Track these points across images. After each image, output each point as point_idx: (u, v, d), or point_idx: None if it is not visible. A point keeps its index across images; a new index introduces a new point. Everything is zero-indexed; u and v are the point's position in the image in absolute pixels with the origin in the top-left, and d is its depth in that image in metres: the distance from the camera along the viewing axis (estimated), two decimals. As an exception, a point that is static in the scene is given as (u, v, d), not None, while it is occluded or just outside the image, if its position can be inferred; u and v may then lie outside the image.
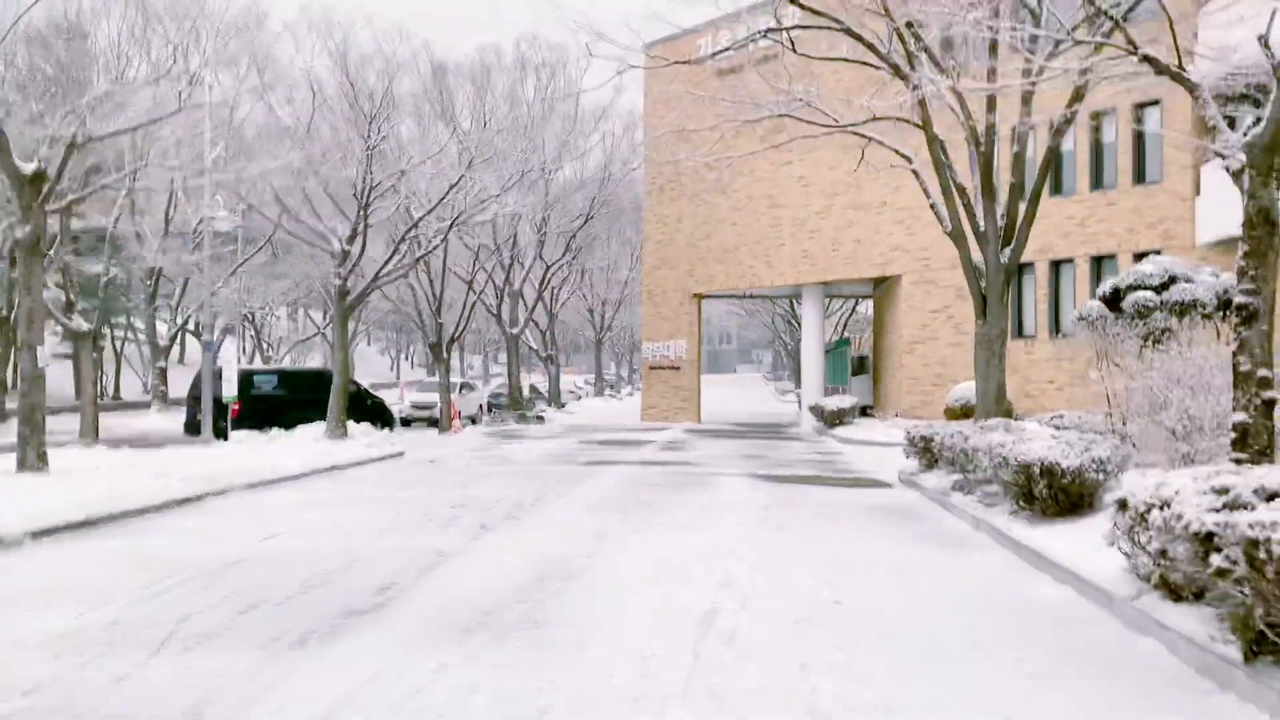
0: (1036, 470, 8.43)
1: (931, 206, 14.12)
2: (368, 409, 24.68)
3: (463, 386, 34.13)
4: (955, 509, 10.53)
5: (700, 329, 33.48)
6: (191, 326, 51.64)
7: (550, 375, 39.90)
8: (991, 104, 12.83)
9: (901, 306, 26.71)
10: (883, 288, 30.12)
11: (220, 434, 19.46)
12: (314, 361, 61.90)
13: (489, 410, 36.05)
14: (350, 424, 18.26)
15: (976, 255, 13.54)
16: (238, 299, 40.36)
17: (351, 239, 16.94)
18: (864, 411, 29.49)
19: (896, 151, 14.38)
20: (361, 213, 16.50)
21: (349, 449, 16.30)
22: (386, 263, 17.13)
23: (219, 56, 16.80)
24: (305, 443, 16.93)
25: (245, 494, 11.97)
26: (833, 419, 25.98)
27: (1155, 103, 22.20)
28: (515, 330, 31.03)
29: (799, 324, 43.10)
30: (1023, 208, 13.08)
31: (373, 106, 15.76)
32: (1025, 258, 25.03)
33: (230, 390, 18.82)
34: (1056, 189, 23.91)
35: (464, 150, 17.04)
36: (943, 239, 26.68)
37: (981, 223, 13.02)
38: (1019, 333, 24.53)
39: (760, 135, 17.08)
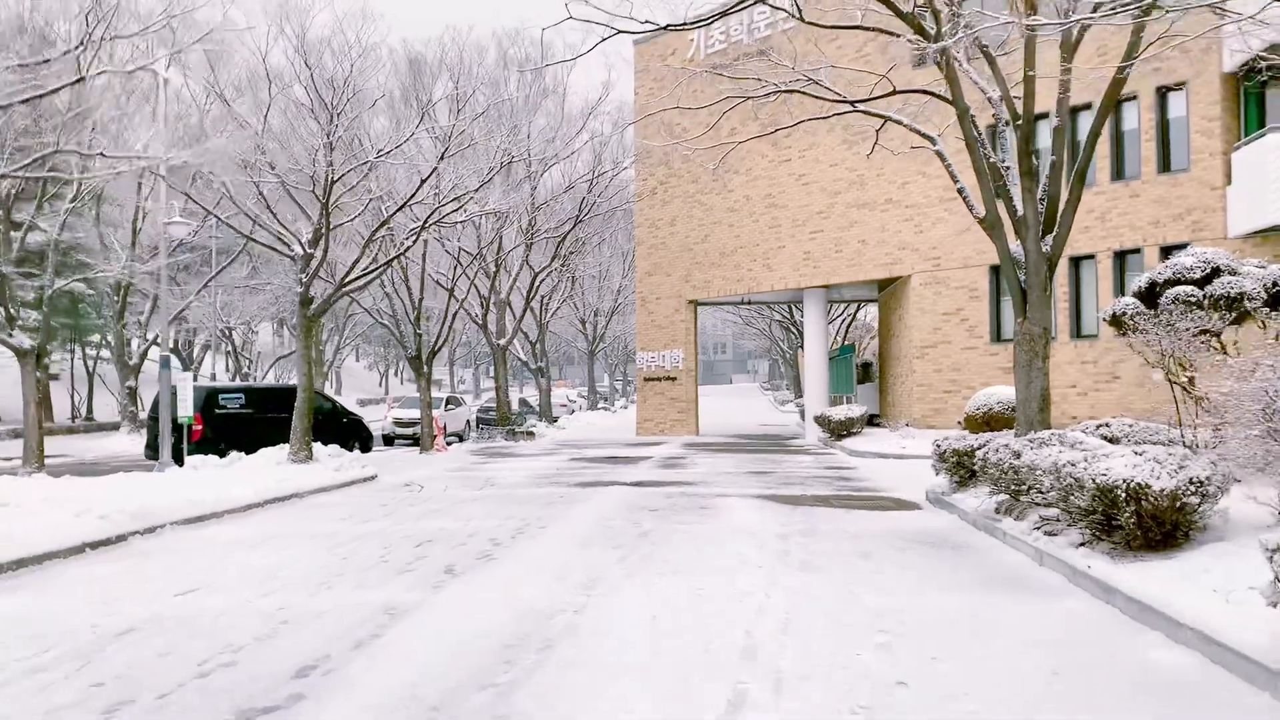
0: (1121, 494, 6.88)
1: (960, 192, 12.59)
2: (343, 427, 23.09)
3: (448, 401, 32.51)
4: (1008, 538, 8.97)
5: (696, 337, 31.94)
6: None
7: (541, 389, 38.26)
8: (1030, 59, 11.29)
9: (911, 309, 25.21)
10: (889, 290, 28.63)
11: (179, 458, 17.86)
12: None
13: (478, 426, 34.46)
14: (317, 446, 16.64)
15: (1014, 246, 11.99)
16: (214, 313, 38.83)
17: (315, 241, 15.38)
18: (871, 421, 27.93)
19: (917, 132, 12.86)
20: (324, 211, 14.93)
21: (313, 474, 14.69)
22: (353, 266, 15.55)
23: (160, 39, 15.15)
24: (266, 467, 15.33)
25: (180, 531, 10.36)
26: (840, 430, 24.43)
27: (1180, 85, 20.78)
28: (503, 342, 29.44)
29: (798, 331, 41.61)
30: (1065, 191, 11.54)
31: (333, 94, 14.22)
32: (1042, 255, 23.63)
33: (186, 410, 17.21)
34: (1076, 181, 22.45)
35: (437, 140, 15.46)
36: (955, 236, 25.33)
37: (1020, 207, 11.49)
38: (1037, 335, 23.01)
39: (761, 121, 15.54)
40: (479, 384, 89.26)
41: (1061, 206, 11.43)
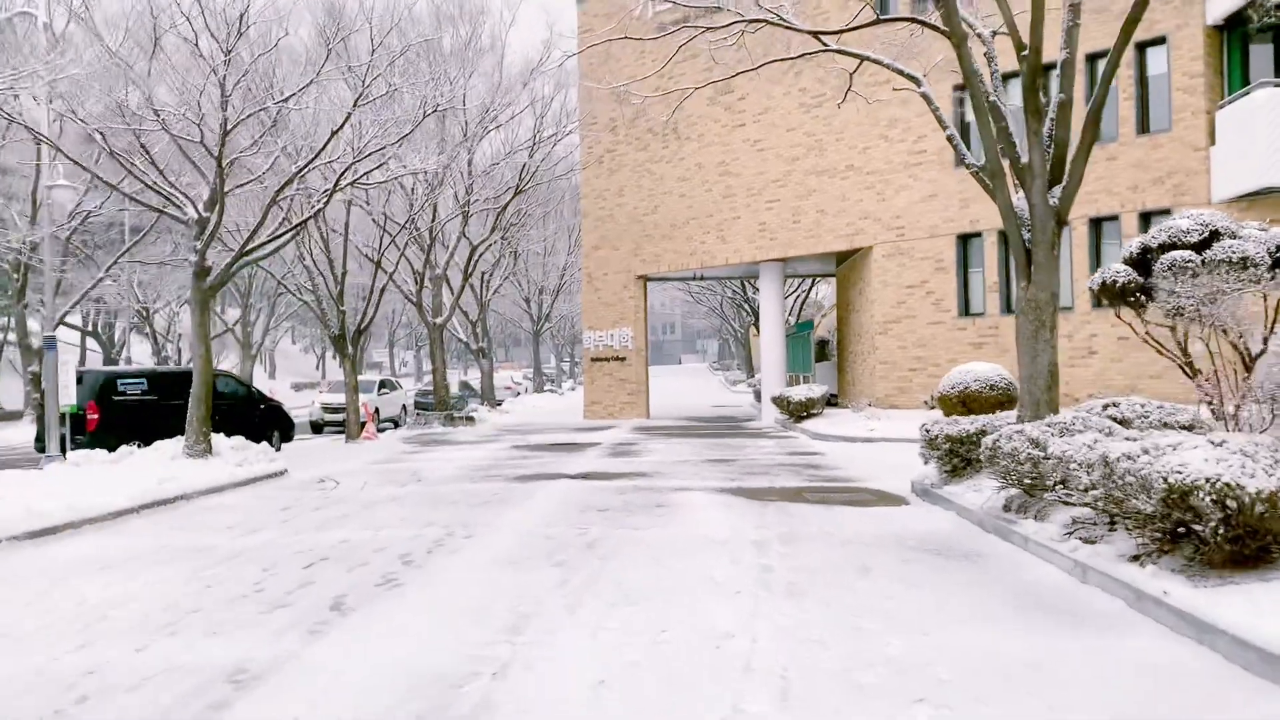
0: (1206, 498, 5.33)
1: (950, 139, 11.02)
2: (260, 415, 20.96)
3: (382, 385, 30.42)
4: (1031, 545, 7.42)
5: (646, 315, 30.24)
6: (83, 325, 47.01)
7: (483, 370, 36.26)
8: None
9: (873, 283, 23.76)
10: (848, 263, 27.18)
11: (76, 449, 15.74)
12: (228, 362, 57.43)
13: (418, 410, 32.41)
14: (219, 438, 14.62)
15: (1016, 200, 10.45)
16: (131, 293, 36.14)
17: (211, 204, 13.34)
18: (829, 401, 26.51)
19: (900, 72, 11.22)
20: (219, 168, 12.88)
21: (209, 471, 12.73)
22: (255, 231, 13.51)
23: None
24: (158, 463, 13.31)
25: (16, 550, 8.40)
26: (799, 411, 22.95)
27: (1160, 40, 19.48)
28: (439, 320, 27.42)
29: (751, 309, 40.17)
30: (1075, 135, 10.00)
31: (228, 31, 12.17)
32: (1013, 223, 22.29)
33: (68, 398, 15.09)
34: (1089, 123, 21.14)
35: (354, 89, 13.46)
36: (920, 204, 23.88)
37: (1024, 154, 9.93)
38: (1007, 308, 21.75)
39: (721, 67, 13.78)
40: (421, 367, 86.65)
41: (1072, 153, 9.89)
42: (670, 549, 7.73)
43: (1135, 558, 6.21)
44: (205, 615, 5.95)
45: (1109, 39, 17.47)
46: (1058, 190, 9.86)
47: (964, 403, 16.99)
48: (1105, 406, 10.51)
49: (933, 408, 21.90)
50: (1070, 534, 7.09)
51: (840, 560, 7.19)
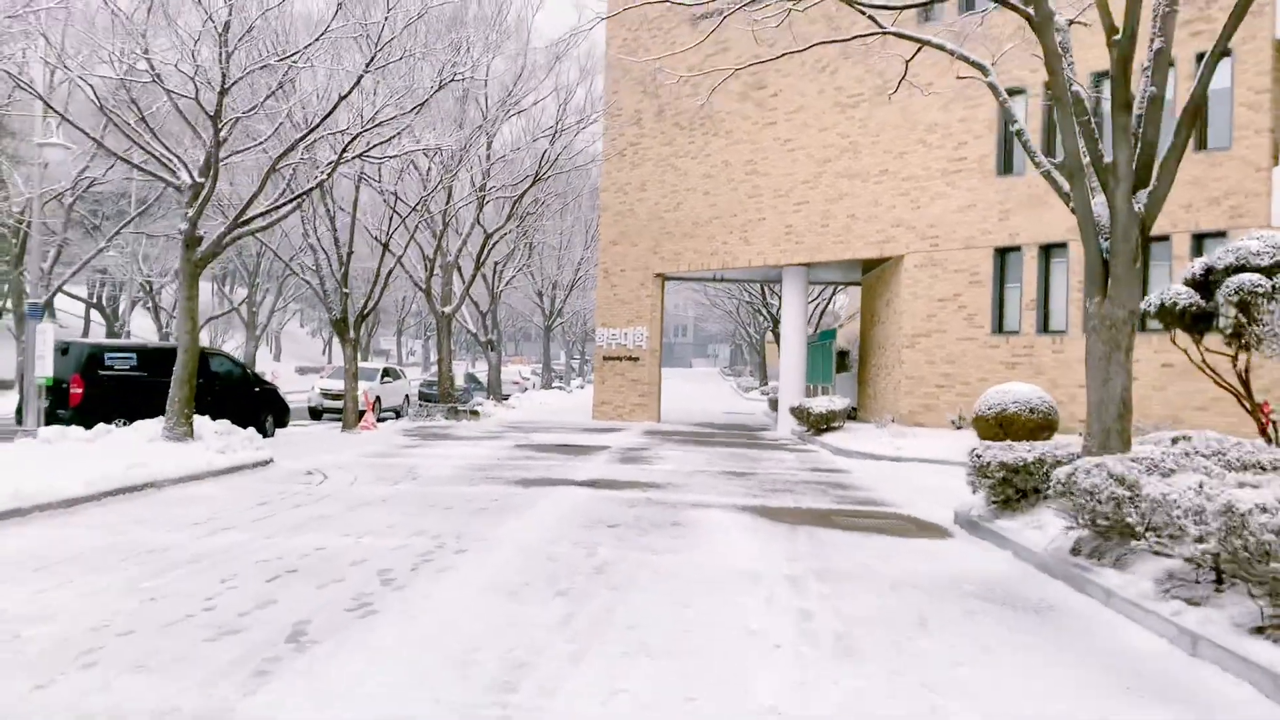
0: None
1: (1018, 134, 9.95)
2: (254, 398, 19.98)
3: (385, 374, 29.44)
4: (1115, 600, 6.35)
5: (663, 314, 29.19)
6: (89, 297, 46.20)
7: (491, 363, 35.23)
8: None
9: (902, 293, 22.67)
10: (876, 272, 26.08)
11: (58, 424, 14.83)
12: (233, 343, 56.60)
13: (422, 401, 31.39)
14: (203, 420, 13.61)
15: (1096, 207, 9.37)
16: (135, 266, 35.26)
17: (206, 169, 12.35)
18: (849, 415, 25.41)
19: (965, 59, 10.15)
20: (215, 129, 11.88)
21: (186, 456, 11.73)
22: (251, 200, 12.49)
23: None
24: (135, 445, 12.32)
25: (-53, 539, 7.41)
26: (819, 423, 21.85)
27: (1226, 54, 18.35)
28: (447, 309, 26.40)
29: (769, 314, 39.06)
30: (1166, 137, 8.91)
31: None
32: (1054, 237, 21.15)
33: (45, 369, 14.14)
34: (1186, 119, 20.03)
35: (365, 50, 12.43)
36: (956, 214, 22.75)
37: (1108, 152, 8.84)
38: (1044, 327, 20.66)
39: (750, 58, 12.73)
40: (428, 356, 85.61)
41: (1162, 154, 8.80)
42: (692, 582, 6.68)
43: (1260, 629, 5.14)
44: (137, 641, 4.93)
45: (1179, 45, 16.42)
46: (1144, 195, 8.78)
47: (1001, 425, 15.92)
48: (1175, 440, 9.41)
49: (960, 427, 20.84)
50: (1167, 592, 6.01)
51: (893, 608, 6.13)
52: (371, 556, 7.22)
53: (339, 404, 25.86)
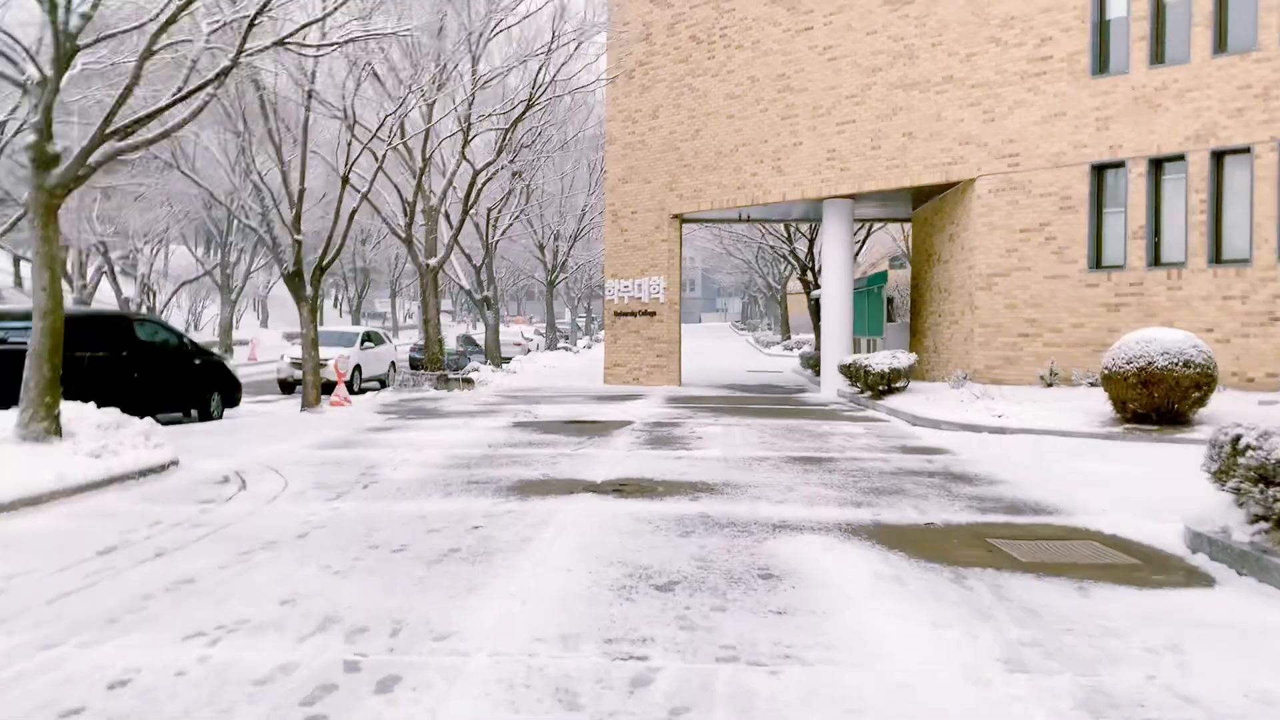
0: None
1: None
2: (195, 374, 16.40)
3: (366, 339, 25.81)
4: None
5: (681, 262, 25.42)
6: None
7: (488, 324, 31.50)
8: None
9: (974, 225, 18.86)
10: (933, 202, 22.22)
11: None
12: (210, 311, 53.01)
13: (412, 370, 27.73)
14: (84, 411, 9.97)
15: None
16: (89, 225, 31.48)
17: (59, 59, 8.64)
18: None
19: None
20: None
21: (36, 466, 8.12)
22: (121, 100, 8.72)
23: None
24: (-23, 447, 8.75)
25: None
26: (879, 384, 18.18)
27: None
28: (432, 262, 22.65)
29: (797, 259, 35.22)
30: None
31: None
32: (1170, 147, 17.18)
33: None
34: (1221, 45, 16.13)
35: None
36: (1040, 125, 18.62)
37: None
38: (1155, 260, 16.89)
39: None
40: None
41: None
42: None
43: None
44: None
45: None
46: None
47: (1145, 384, 12.20)
48: None
49: (1051, 384, 17.15)
50: None
51: None
52: (215, 699, 3.61)
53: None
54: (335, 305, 74.77)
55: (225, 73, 9.29)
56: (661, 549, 6.26)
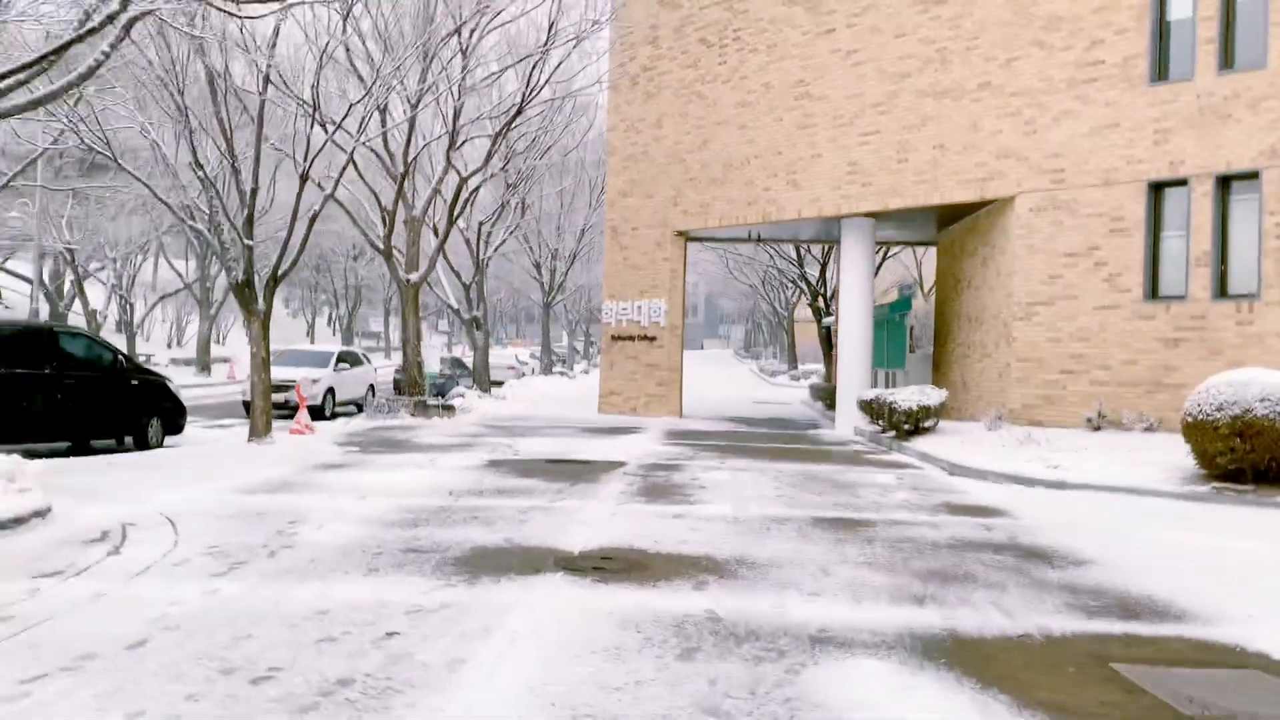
0: None
1: None
2: (132, 396, 14.38)
3: (341, 359, 23.84)
4: None
5: (685, 283, 23.49)
6: (37, 274, 40.60)
7: (476, 345, 29.51)
8: None
9: (1013, 247, 16.91)
10: (965, 223, 20.29)
11: None
12: (195, 327, 50.99)
13: (396, 392, 25.66)
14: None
15: None
16: (52, 232, 29.60)
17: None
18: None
19: None
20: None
21: None
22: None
23: None
24: None
25: None
26: (905, 423, 16.17)
27: None
28: (413, 277, 20.69)
29: (806, 284, 33.28)
30: None
31: None
32: (1241, 163, 15.20)
33: None
34: (1302, 49, 14.22)
35: None
36: (1089, 138, 16.35)
37: None
38: (1221, 291, 14.90)
39: None
40: (424, 339, 79.90)
41: None
42: None
43: None
44: None
45: None
46: None
47: (1240, 434, 10.14)
48: None
49: (1099, 427, 15.14)
50: None
51: None
52: None
53: (280, 397, 20.30)
54: (329, 324, 72.79)
55: (91, 32, 7.29)
56: (653, 688, 4.22)
